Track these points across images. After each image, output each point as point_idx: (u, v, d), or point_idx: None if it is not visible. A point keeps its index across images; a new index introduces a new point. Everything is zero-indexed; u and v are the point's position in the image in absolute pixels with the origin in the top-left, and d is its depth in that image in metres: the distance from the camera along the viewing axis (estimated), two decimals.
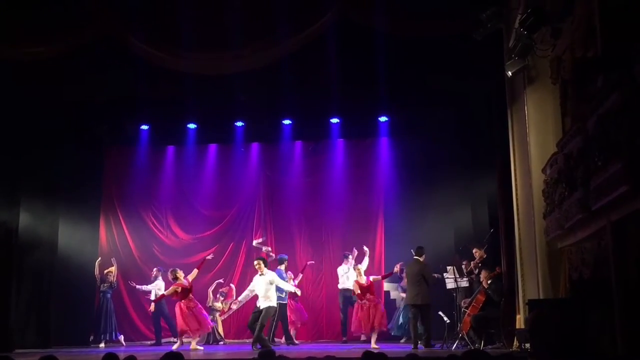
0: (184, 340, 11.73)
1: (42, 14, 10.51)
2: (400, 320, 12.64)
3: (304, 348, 11.64)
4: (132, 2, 10.50)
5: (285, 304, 12.44)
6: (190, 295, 11.81)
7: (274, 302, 11.45)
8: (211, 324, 12.21)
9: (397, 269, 12.37)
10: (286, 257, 12.81)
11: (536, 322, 6.98)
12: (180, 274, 11.89)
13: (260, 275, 11.52)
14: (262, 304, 11.41)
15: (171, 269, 12.16)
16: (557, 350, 6.56)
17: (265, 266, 11.55)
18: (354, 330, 11.70)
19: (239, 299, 12.40)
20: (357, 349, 10.81)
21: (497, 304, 10.40)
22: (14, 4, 10.51)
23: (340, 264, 13.29)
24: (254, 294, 11.78)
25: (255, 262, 11.68)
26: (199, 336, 12.05)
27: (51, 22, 10.51)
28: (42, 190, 13.41)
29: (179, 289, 11.73)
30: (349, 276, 12.75)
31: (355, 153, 14.73)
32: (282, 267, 12.62)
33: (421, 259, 11.42)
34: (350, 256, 13.00)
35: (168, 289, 12.25)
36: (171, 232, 14.74)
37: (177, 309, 11.72)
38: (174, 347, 11.37)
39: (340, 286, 13.03)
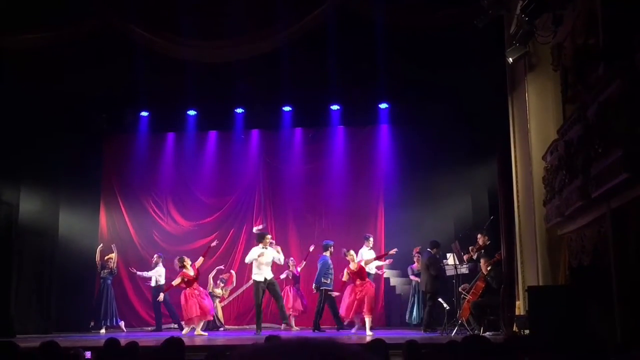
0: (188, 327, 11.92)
1: (42, 3, 10.47)
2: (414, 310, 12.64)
3: (305, 335, 11.69)
4: None
5: (332, 289, 12.36)
6: (195, 283, 12.00)
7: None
8: (212, 311, 12.29)
9: (393, 251, 12.42)
10: (332, 242, 12.57)
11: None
12: (188, 262, 12.08)
13: (263, 248, 12.03)
14: (268, 275, 11.92)
15: (178, 257, 12.33)
16: (556, 337, 6.58)
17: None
18: (343, 315, 11.80)
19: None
20: (357, 335, 10.86)
21: (497, 291, 10.44)
22: None
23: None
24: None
25: (269, 236, 12.28)
26: (199, 323, 12.12)
27: (51, 11, 10.47)
28: (42, 177, 13.41)
29: (186, 279, 11.93)
30: (363, 258, 12.73)
31: (355, 140, 14.71)
32: (327, 253, 12.44)
33: (432, 251, 11.82)
34: (371, 238, 12.95)
35: (169, 275, 12.34)
36: (171, 218, 14.76)
37: (182, 298, 11.94)
38: (184, 331, 11.76)
39: None
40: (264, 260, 11.99)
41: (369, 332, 11.28)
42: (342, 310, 11.77)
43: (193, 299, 11.80)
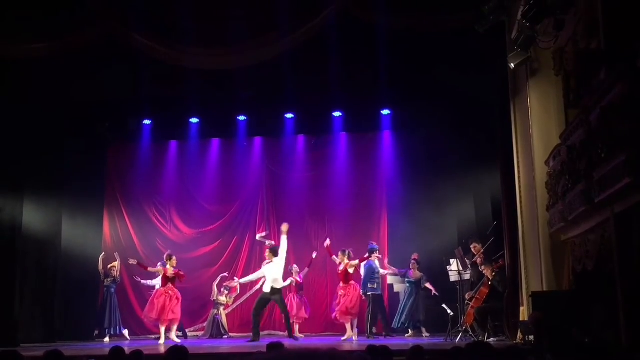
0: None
1: (44, 12, 10.50)
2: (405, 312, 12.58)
3: (308, 341, 11.67)
4: None
5: (380, 295, 12.26)
6: (171, 285, 12.16)
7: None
8: (175, 317, 12.23)
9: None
10: (377, 247, 12.43)
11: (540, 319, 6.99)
12: (173, 261, 12.31)
13: (268, 262, 12.05)
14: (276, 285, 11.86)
15: (168, 253, 12.50)
16: (561, 343, 6.56)
17: (275, 255, 12.03)
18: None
19: (241, 280, 12.94)
20: (360, 343, 10.84)
21: (501, 296, 10.42)
22: (16, 3, 10.51)
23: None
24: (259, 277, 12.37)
25: (267, 253, 12.23)
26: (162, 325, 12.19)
27: (53, 20, 10.51)
28: (45, 186, 13.41)
29: (161, 274, 12.26)
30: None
31: (358, 147, 14.71)
32: (373, 257, 12.25)
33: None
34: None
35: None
36: (174, 226, 14.75)
37: (153, 295, 12.23)
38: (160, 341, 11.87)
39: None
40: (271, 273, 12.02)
41: (345, 337, 11.60)
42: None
43: (160, 299, 11.99)
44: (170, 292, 12.11)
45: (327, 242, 12.37)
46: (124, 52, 11.15)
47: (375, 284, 12.08)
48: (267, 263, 12.16)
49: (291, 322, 12.58)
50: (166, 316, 11.97)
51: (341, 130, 14.53)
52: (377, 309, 12.07)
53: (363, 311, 12.15)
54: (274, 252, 12.05)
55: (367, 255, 11.96)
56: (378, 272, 12.17)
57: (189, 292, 13.86)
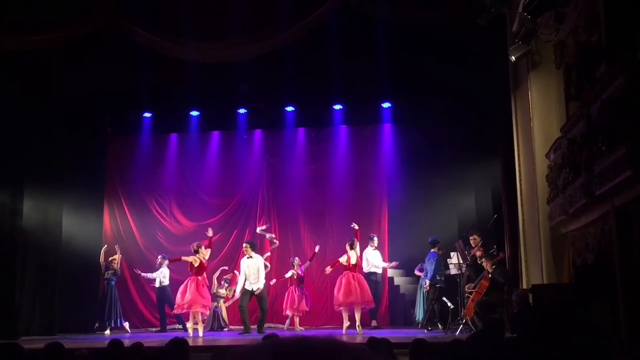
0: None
1: (44, 4, 10.48)
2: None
3: (308, 334, 11.67)
4: None
5: (443, 287, 12.12)
6: (204, 274, 12.03)
7: (262, 282, 12.14)
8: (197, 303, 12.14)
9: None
10: (436, 238, 12.40)
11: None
12: (203, 250, 12.07)
13: (247, 257, 12.13)
14: (254, 286, 11.98)
15: (197, 243, 12.24)
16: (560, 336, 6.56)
17: (253, 250, 12.27)
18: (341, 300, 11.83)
19: (237, 290, 12.77)
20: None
21: (502, 289, 10.43)
22: None
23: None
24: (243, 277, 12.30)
25: (244, 245, 12.40)
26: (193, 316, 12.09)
27: (53, 12, 10.48)
28: (45, 179, 13.41)
29: (197, 263, 11.88)
30: (367, 258, 12.68)
31: (358, 139, 14.70)
32: (436, 249, 12.26)
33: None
34: (375, 238, 12.93)
35: (173, 276, 12.35)
36: (175, 219, 14.75)
37: (191, 283, 11.80)
38: (200, 332, 11.78)
39: (364, 270, 12.63)
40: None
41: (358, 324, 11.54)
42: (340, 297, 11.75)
43: (186, 287, 11.84)
44: (194, 282, 11.84)
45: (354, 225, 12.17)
46: (124, 45, 11.12)
47: (443, 277, 12.07)
48: (247, 258, 12.22)
49: (292, 315, 12.62)
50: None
51: (342, 123, 14.50)
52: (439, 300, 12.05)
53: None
54: (253, 246, 12.30)
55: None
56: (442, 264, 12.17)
57: None
